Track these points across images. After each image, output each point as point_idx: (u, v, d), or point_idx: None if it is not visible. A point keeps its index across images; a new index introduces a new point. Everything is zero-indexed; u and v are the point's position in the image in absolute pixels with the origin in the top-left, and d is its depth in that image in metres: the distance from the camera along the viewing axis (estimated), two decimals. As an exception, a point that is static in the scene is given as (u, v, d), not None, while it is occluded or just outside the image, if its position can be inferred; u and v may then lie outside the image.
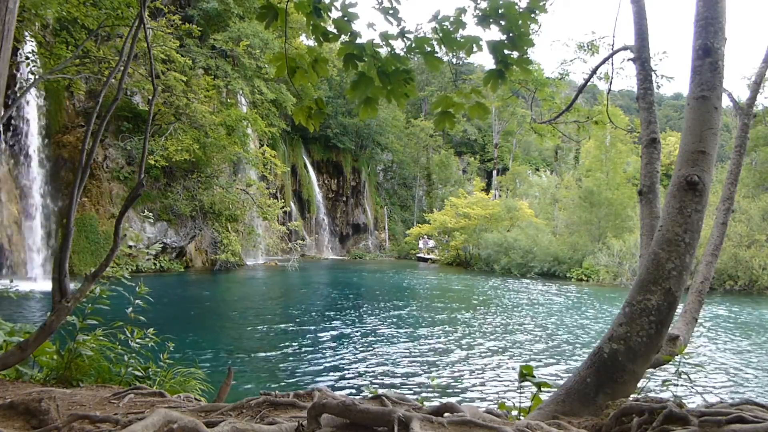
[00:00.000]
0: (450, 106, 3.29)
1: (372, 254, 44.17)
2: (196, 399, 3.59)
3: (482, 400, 8.23)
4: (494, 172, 54.01)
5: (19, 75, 18.94)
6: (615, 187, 31.50)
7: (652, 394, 3.10)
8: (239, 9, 27.62)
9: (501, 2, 2.88)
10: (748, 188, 30.59)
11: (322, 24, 3.11)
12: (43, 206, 20.29)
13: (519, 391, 3.78)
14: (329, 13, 3.08)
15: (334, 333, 12.87)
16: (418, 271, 32.62)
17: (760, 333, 14.96)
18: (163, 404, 2.87)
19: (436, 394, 8.48)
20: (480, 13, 2.93)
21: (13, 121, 19.56)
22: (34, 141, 20.33)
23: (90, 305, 4.04)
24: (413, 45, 3.04)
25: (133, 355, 4.23)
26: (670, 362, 3.68)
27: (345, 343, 11.84)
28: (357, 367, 9.97)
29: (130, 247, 21.82)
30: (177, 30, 21.73)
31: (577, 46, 7.44)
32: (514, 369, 10.05)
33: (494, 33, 3.04)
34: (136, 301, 4.51)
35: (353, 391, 8.38)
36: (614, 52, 5.46)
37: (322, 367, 9.90)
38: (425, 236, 41.39)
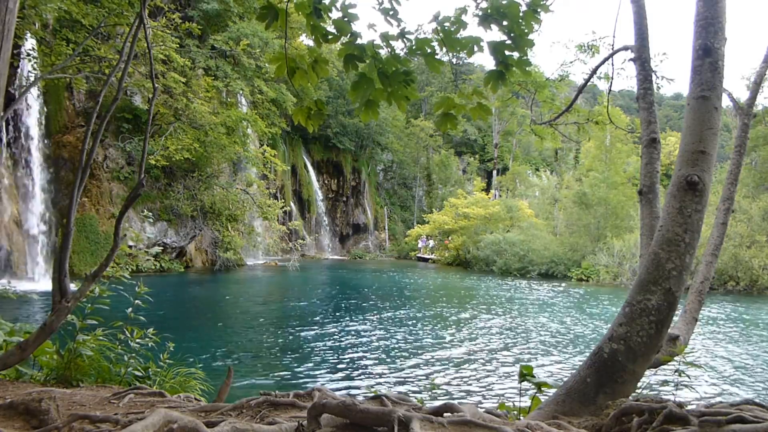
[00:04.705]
0: (452, 108, 3.30)
1: (372, 254, 44.17)
2: (196, 399, 3.59)
3: (482, 400, 8.23)
4: (494, 172, 54.01)
5: (19, 74, 18.94)
6: (614, 186, 31.49)
7: (652, 394, 3.10)
8: (239, 9, 27.61)
9: (503, 2, 2.88)
10: (748, 188, 30.58)
11: (322, 25, 3.11)
12: (43, 206, 20.29)
13: (519, 391, 3.78)
14: (329, 14, 3.08)
15: (335, 333, 12.87)
16: (418, 271, 32.62)
17: (760, 333, 14.96)
18: (163, 404, 2.88)
19: (436, 394, 8.48)
20: (481, 13, 2.93)
21: (13, 121, 19.56)
22: (34, 141, 20.33)
23: (90, 305, 4.04)
24: (414, 46, 3.04)
25: (133, 355, 4.23)
26: (670, 362, 3.68)
27: (345, 343, 11.84)
28: (357, 367, 9.97)
29: (130, 247, 21.82)
30: (177, 30, 21.73)
31: (576, 47, 7.43)
32: (514, 369, 10.05)
33: (495, 33, 3.03)
34: (136, 301, 4.50)
35: (353, 391, 8.38)
36: (614, 52, 5.46)
37: (322, 367, 9.91)
38: (425, 236, 41.39)
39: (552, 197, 41.49)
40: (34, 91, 20.18)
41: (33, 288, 17.05)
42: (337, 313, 15.90)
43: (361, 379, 9.19)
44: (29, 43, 18.28)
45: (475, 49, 3.06)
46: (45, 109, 21.00)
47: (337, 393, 3.03)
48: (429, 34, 3.12)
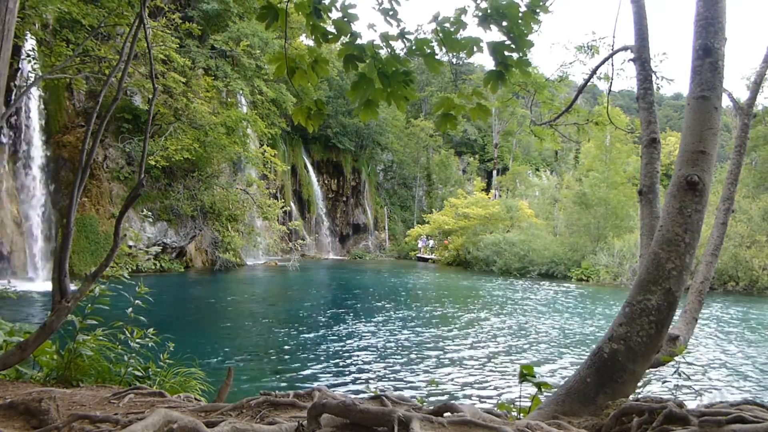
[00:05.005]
0: (451, 108, 3.29)
1: (372, 254, 44.18)
2: (196, 399, 3.59)
3: (482, 400, 8.23)
4: (494, 172, 54.03)
5: (19, 74, 18.94)
6: (614, 186, 31.50)
7: (652, 394, 3.10)
8: (239, 9, 27.62)
9: (503, 2, 2.88)
10: (748, 188, 30.57)
11: (322, 25, 3.11)
12: (43, 206, 20.29)
13: (519, 391, 3.78)
14: (329, 14, 3.08)
15: (334, 333, 12.87)
16: (418, 272, 32.62)
17: (760, 333, 14.96)
18: (163, 404, 2.88)
19: (436, 394, 8.48)
20: (481, 14, 2.93)
21: (13, 121, 19.56)
22: (34, 141, 20.33)
23: (90, 305, 4.04)
24: (414, 46, 3.04)
25: (133, 355, 4.23)
26: (670, 362, 3.68)
27: (345, 343, 11.84)
28: (357, 367, 9.97)
29: (130, 247, 21.82)
30: (177, 30, 21.74)
31: (576, 48, 7.42)
32: (514, 369, 10.05)
33: (495, 34, 3.03)
34: (136, 301, 4.50)
35: (353, 391, 8.38)
36: (614, 53, 5.46)
37: (322, 367, 9.91)
38: (425, 236, 41.39)
39: (552, 197, 41.50)
40: (34, 92, 20.18)
41: (33, 288, 17.05)
42: (338, 314, 15.90)
43: (361, 379, 9.19)
44: (29, 44, 18.27)
45: (475, 49, 3.06)
46: (45, 109, 21.00)
47: (337, 393, 3.03)
48: (429, 35, 3.12)
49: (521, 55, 3.04)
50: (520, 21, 2.92)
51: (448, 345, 12.11)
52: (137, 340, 4.28)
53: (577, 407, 2.87)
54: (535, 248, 30.82)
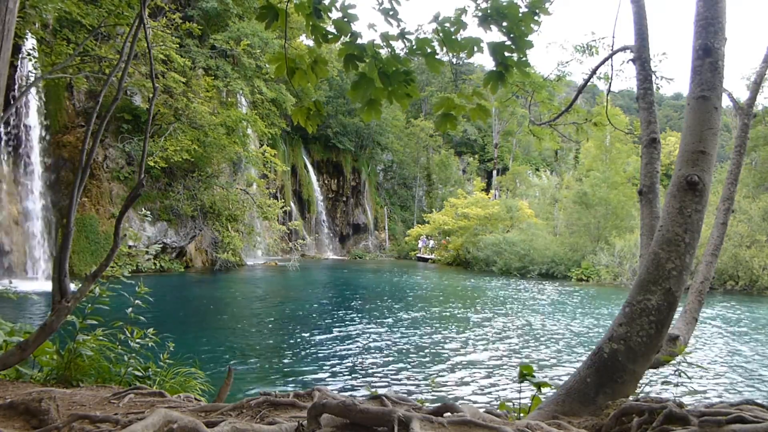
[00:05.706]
0: (451, 109, 3.29)
1: (372, 254, 44.17)
2: (196, 399, 3.59)
3: (482, 400, 8.23)
4: (494, 172, 54.02)
5: (19, 74, 18.93)
6: (614, 186, 31.49)
7: (652, 394, 3.10)
8: (239, 9, 27.62)
9: (503, 2, 2.88)
10: (748, 188, 30.56)
11: (322, 25, 3.11)
12: (43, 206, 20.28)
13: (519, 391, 3.78)
14: (329, 14, 3.08)
15: (334, 333, 12.87)
16: (418, 272, 32.62)
17: (760, 333, 14.96)
18: (163, 404, 2.87)
19: (436, 394, 8.48)
20: (481, 14, 2.93)
21: (13, 121, 19.56)
22: (34, 141, 20.33)
23: (90, 305, 4.04)
24: (414, 46, 3.04)
25: (133, 355, 4.23)
26: (670, 362, 3.68)
27: (345, 343, 11.84)
28: (357, 367, 9.97)
29: (129, 247, 21.82)
30: (177, 30, 21.73)
31: (574, 48, 7.43)
32: (514, 369, 10.04)
33: (495, 34, 3.03)
34: (136, 301, 4.50)
35: (353, 391, 8.37)
36: (614, 53, 5.46)
37: (322, 367, 9.90)
38: (425, 236, 41.39)
39: (552, 197, 41.49)
40: (34, 91, 20.17)
41: (33, 288, 17.03)
42: (338, 314, 15.90)
43: (361, 379, 9.19)
44: (29, 43, 18.27)
45: (475, 49, 3.06)
46: (45, 109, 20.99)
47: (337, 393, 3.03)
48: (429, 35, 3.12)
49: (521, 55, 3.04)
50: (520, 21, 2.92)
51: (449, 345, 12.11)
52: (137, 340, 4.27)
53: (577, 407, 2.87)
54: (535, 248, 30.83)
